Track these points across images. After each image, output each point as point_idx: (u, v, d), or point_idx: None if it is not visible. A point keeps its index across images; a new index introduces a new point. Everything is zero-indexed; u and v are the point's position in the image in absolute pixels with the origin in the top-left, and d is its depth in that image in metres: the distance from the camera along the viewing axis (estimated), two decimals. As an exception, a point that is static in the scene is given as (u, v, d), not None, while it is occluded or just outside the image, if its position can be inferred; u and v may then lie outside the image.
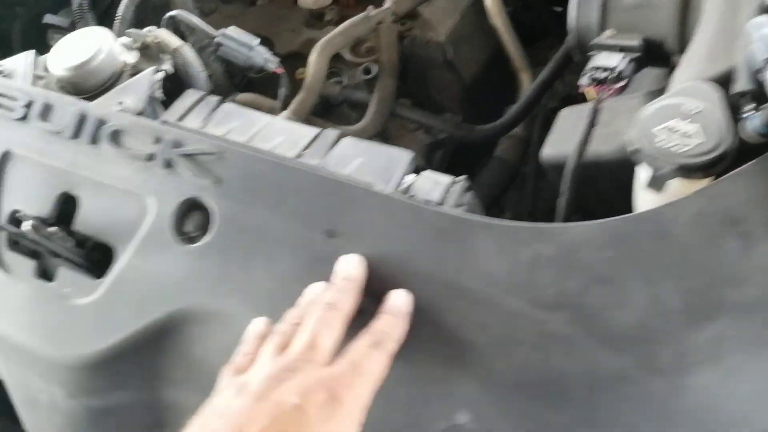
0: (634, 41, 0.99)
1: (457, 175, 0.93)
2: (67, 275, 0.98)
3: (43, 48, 1.15)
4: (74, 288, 0.99)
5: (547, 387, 0.78)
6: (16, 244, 1.00)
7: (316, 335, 0.73)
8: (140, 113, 1.01)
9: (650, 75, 1.06)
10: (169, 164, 0.94)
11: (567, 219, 1.01)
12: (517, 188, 1.38)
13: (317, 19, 1.56)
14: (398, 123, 1.35)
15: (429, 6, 1.40)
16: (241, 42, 1.18)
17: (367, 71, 1.32)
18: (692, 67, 0.90)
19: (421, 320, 0.80)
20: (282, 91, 1.23)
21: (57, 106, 1.02)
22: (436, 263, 0.81)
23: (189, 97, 1.04)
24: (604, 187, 1.04)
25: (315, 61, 1.26)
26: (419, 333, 0.79)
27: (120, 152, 0.97)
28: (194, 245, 0.91)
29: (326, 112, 1.34)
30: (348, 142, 0.95)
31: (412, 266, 0.82)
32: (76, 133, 0.99)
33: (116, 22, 1.28)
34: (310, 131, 0.98)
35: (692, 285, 0.74)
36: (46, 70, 1.12)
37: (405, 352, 0.77)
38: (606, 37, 1.02)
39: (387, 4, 1.33)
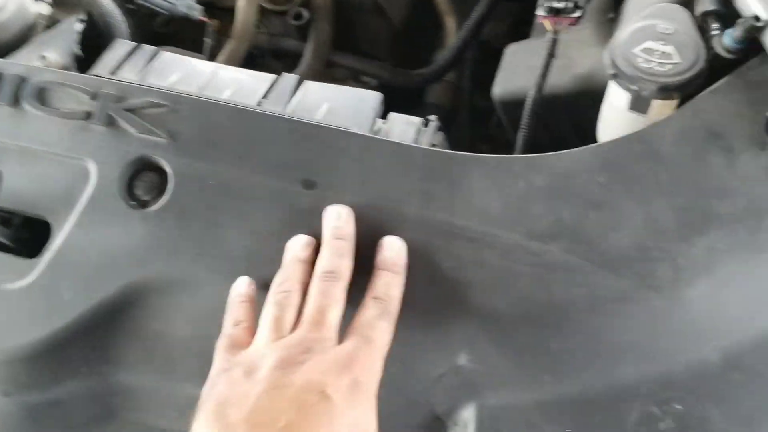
0: (587, -31, 0.99)
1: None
2: (-8, 258, 0.86)
3: None
4: (3, 272, 0.88)
5: (549, 317, 0.78)
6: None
7: (323, 309, 0.68)
8: (65, 68, 0.90)
9: (593, 5, 1.07)
10: (111, 121, 0.84)
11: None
12: (452, 134, 1.37)
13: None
14: (326, 72, 1.29)
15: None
16: (166, -10, 1.07)
17: (297, 16, 1.25)
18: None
19: (415, 265, 0.76)
20: (208, 43, 1.14)
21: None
22: (426, 204, 0.78)
23: (119, 47, 0.94)
24: (557, 120, 1.05)
25: (244, 8, 1.17)
26: (414, 278, 0.76)
27: (48, 113, 0.85)
28: (149, 209, 0.82)
29: (249, 64, 1.26)
30: (311, 86, 0.89)
31: (401, 210, 0.78)
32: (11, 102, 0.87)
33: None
34: (265, 77, 0.91)
35: (682, 201, 0.76)
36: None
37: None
38: (557, -35, 1.01)
39: None
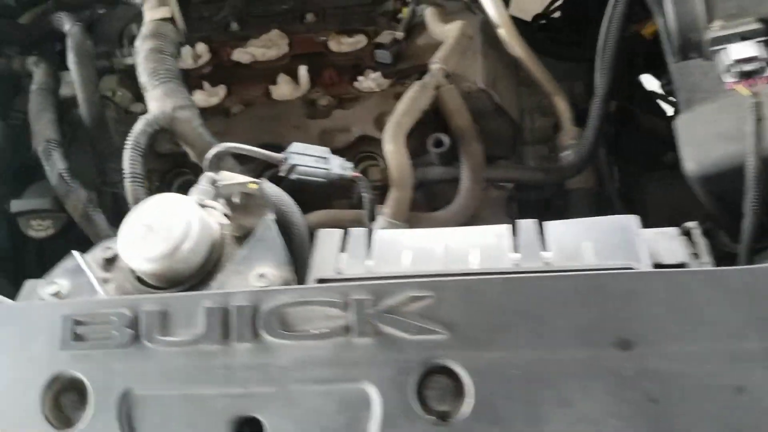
0: (753, 25, 0.93)
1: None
2: None
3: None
4: None
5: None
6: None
7: None
8: (288, 282, 0.80)
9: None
10: (376, 330, 0.74)
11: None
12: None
13: (313, 107, 1.38)
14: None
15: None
16: (316, 155, 0.99)
17: (438, 143, 1.17)
18: None
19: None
20: (367, 198, 1.05)
21: (173, 309, 0.78)
22: (765, 328, 0.69)
23: (325, 241, 0.84)
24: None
25: (394, 152, 1.08)
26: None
27: (297, 338, 0.75)
28: (453, 420, 0.70)
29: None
30: (554, 228, 0.80)
31: (741, 347, 0.69)
32: (224, 334, 0.76)
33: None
34: (496, 231, 0.82)
35: None
36: (107, 267, 0.86)
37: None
38: (719, 28, 0.95)
39: (434, 66, 1.18)
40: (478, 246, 0.81)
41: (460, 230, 0.84)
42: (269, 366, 0.75)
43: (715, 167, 1.00)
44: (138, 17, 1.58)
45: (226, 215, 0.88)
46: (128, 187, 1.06)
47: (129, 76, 1.52)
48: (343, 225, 1.09)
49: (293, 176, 0.99)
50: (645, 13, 1.39)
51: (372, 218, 1.05)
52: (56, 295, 0.84)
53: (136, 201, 1.06)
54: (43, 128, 1.23)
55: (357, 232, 0.84)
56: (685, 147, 1.04)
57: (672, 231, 0.82)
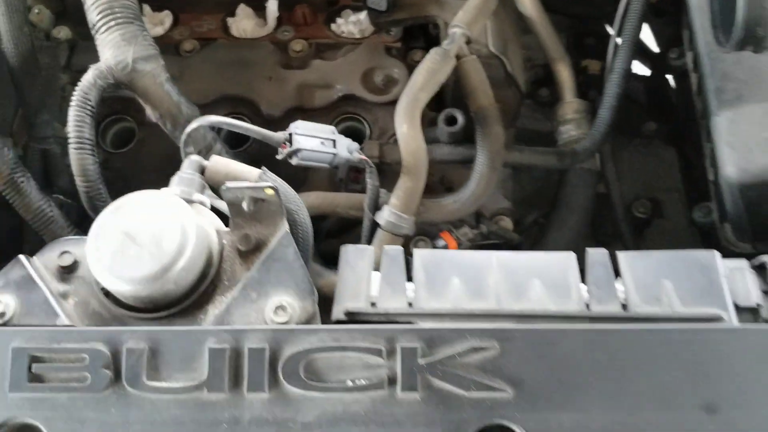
0: (827, 27, 0.83)
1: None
2: None
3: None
4: None
5: None
6: None
7: None
8: (312, 316, 0.64)
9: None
10: (426, 384, 0.61)
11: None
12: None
13: (286, 53, 1.17)
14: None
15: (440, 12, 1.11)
16: (322, 137, 0.81)
17: (451, 121, 1.01)
18: None
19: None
20: (371, 185, 0.89)
21: (166, 347, 0.61)
22: None
23: (355, 258, 0.69)
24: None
25: (409, 135, 0.91)
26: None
27: (328, 391, 0.61)
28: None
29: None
30: (629, 259, 0.69)
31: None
32: (234, 382, 0.61)
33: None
34: (560, 257, 0.70)
35: None
36: (64, 278, 0.67)
37: None
38: (795, 24, 0.84)
39: (456, 31, 0.99)
40: (539, 278, 0.68)
41: (515, 255, 0.71)
42: (290, 422, 0.61)
43: (760, 175, 0.92)
44: None
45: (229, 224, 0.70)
46: (74, 156, 0.84)
47: (47, -13, 1.25)
48: (340, 211, 0.94)
49: (295, 161, 0.81)
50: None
51: (375, 208, 0.90)
52: (0, 316, 0.64)
53: (84, 173, 0.85)
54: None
55: (393, 253, 0.69)
56: (727, 149, 0.95)
57: (744, 264, 0.72)
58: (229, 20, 1.24)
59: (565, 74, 1.20)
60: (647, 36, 1.69)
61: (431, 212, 0.95)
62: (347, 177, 1.02)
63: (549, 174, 1.20)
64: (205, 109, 1.02)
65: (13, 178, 0.90)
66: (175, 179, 0.73)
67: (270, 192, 0.65)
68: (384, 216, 0.90)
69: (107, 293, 0.68)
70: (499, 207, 1.10)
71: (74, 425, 0.62)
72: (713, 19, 0.95)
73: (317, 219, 0.93)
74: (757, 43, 0.88)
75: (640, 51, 1.67)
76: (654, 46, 1.61)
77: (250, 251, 0.67)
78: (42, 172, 1.00)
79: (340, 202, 0.94)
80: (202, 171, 0.74)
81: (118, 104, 1.14)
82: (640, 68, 1.73)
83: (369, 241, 0.92)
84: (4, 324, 0.64)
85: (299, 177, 1.01)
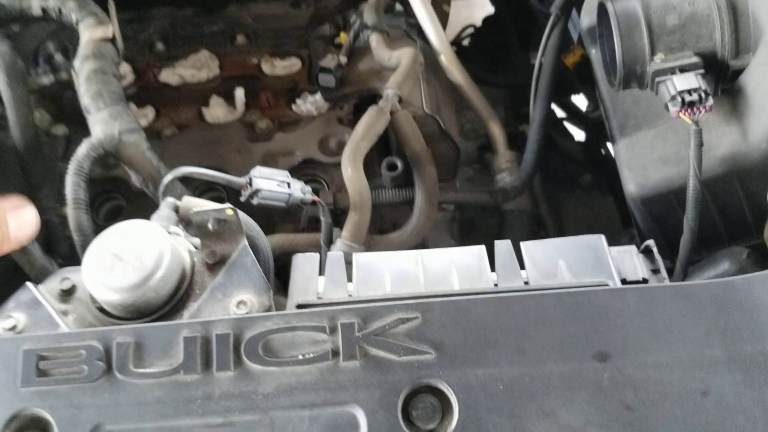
0: (693, 58, 1.01)
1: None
2: None
3: None
4: None
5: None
6: None
7: None
8: (269, 308, 0.78)
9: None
10: (364, 353, 0.73)
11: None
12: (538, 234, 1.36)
13: (253, 130, 1.36)
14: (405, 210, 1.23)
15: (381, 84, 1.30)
16: (278, 179, 0.97)
17: (392, 167, 1.18)
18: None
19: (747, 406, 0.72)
20: (324, 222, 1.04)
21: (148, 340, 0.75)
22: (731, 341, 0.74)
23: (302, 265, 0.83)
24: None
25: (353, 177, 1.08)
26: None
27: (284, 364, 0.73)
28: (444, 439, 0.72)
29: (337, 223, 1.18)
30: (530, 247, 0.84)
31: (705, 354, 0.74)
32: (204, 364, 0.73)
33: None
34: (473, 251, 0.84)
35: None
36: (64, 299, 0.81)
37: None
38: (661, 61, 1.02)
39: (389, 92, 1.19)
40: (456, 267, 0.83)
41: (437, 252, 0.86)
42: (253, 394, 0.73)
43: (655, 189, 1.08)
44: (53, 36, 1.52)
45: (197, 241, 0.85)
46: (71, 214, 1.00)
47: (45, 97, 1.45)
48: (300, 249, 1.08)
49: (256, 201, 0.97)
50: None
51: (329, 242, 1.05)
52: (12, 329, 0.78)
53: (80, 229, 1.01)
54: (-31, 153, 1.14)
55: (335, 256, 0.84)
56: (626, 170, 1.11)
57: (633, 249, 0.87)
58: (204, 109, 1.44)
59: (496, 131, 1.38)
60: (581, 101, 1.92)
61: (379, 246, 1.10)
62: (308, 226, 1.17)
63: (490, 217, 1.36)
64: (183, 180, 1.19)
65: (19, 241, 1.05)
66: (153, 217, 0.89)
67: (230, 212, 0.80)
68: (337, 247, 1.05)
69: (101, 308, 0.82)
70: (445, 246, 1.25)
71: (74, 411, 0.74)
72: (605, 66, 1.14)
73: (281, 259, 1.08)
74: (639, 80, 1.06)
75: (574, 115, 1.89)
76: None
77: (216, 264, 0.82)
78: (44, 239, 1.16)
79: (300, 242, 1.09)
80: (177, 210, 0.90)
81: (108, 183, 1.31)
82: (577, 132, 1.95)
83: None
84: (17, 334, 0.78)
85: (267, 226, 1.16)
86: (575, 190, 1.65)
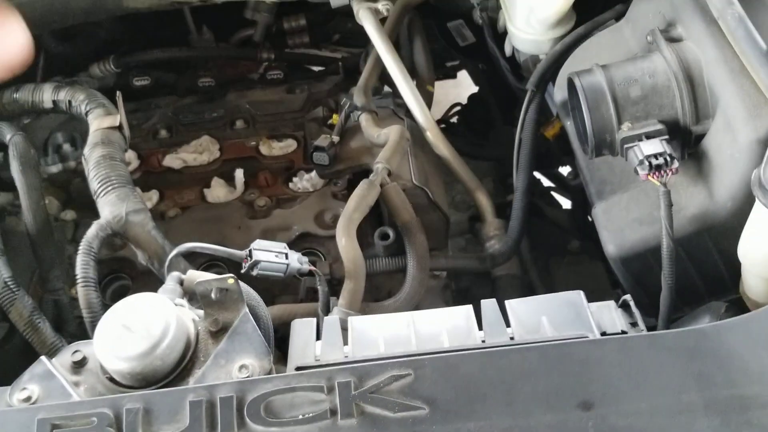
0: (657, 126, 1.09)
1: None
2: None
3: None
4: None
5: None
6: None
7: None
8: (269, 372, 0.83)
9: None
10: (360, 411, 0.78)
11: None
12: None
13: (252, 207, 1.43)
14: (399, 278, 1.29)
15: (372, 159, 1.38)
16: (276, 251, 1.04)
17: (384, 237, 1.24)
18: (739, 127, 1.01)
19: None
20: (321, 291, 1.10)
21: (156, 405, 0.79)
22: (705, 385, 0.79)
23: (302, 330, 0.88)
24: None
25: (348, 246, 1.15)
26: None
27: (285, 425, 0.77)
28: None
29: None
30: (514, 305, 0.89)
31: (682, 399, 0.78)
32: (210, 426, 0.77)
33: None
34: (460, 312, 0.90)
35: None
36: (76, 370, 0.86)
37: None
38: (628, 129, 1.10)
39: (378, 166, 1.27)
40: (445, 327, 0.88)
41: (426, 313, 0.91)
42: (262, 452, 0.77)
43: (633, 249, 1.14)
44: (62, 127, 1.61)
45: (201, 313, 0.90)
46: (81, 292, 1.05)
47: (55, 184, 1.53)
48: (299, 318, 1.13)
49: (255, 272, 1.03)
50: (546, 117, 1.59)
51: (327, 310, 1.10)
52: (27, 400, 0.82)
53: (89, 306, 1.06)
54: (-16, 238, 1.21)
55: (331, 321, 0.89)
56: (604, 232, 1.18)
57: (611, 304, 0.92)
58: (205, 191, 1.52)
59: (483, 200, 1.46)
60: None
61: (374, 313, 1.15)
62: (306, 297, 1.22)
63: (483, 285, 1.41)
64: (186, 257, 1.25)
65: (31, 320, 1.10)
66: (160, 290, 0.94)
67: (231, 281, 0.86)
68: (334, 314, 1.10)
69: (111, 378, 0.86)
70: (440, 311, 1.30)
71: (84, 478, 0.78)
72: (579, 136, 1.22)
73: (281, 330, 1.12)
74: (609, 147, 1.14)
75: (560, 184, 1.97)
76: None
77: (219, 331, 0.87)
78: (54, 319, 1.20)
79: (298, 311, 1.14)
80: (181, 283, 0.96)
81: (115, 264, 1.37)
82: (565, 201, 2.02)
83: (324, 339, 1.11)
84: (31, 404, 0.82)
85: (266, 298, 1.22)
86: (564, 256, 1.71)
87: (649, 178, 1.05)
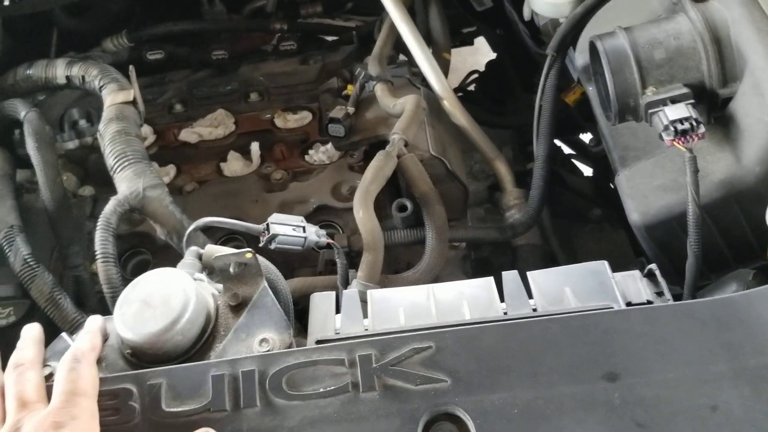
0: (683, 89, 1.06)
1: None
2: None
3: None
4: None
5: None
6: None
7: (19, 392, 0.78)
8: (289, 345, 0.82)
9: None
10: (382, 383, 0.77)
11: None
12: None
13: (269, 181, 1.42)
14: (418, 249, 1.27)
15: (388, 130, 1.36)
16: (293, 224, 1.03)
17: (402, 208, 1.23)
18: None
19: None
20: (340, 263, 1.09)
21: (179, 380, 0.79)
22: (734, 355, 0.77)
23: (322, 303, 0.88)
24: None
25: (365, 218, 1.14)
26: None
27: (307, 398, 0.77)
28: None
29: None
30: (536, 276, 0.88)
31: (711, 370, 0.77)
32: (233, 400, 0.77)
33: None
34: (481, 283, 0.89)
35: None
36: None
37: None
38: (653, 93, 1.07)
39: (395, 137, 1.25)
40: (466, 299, 0.87)
41: (447, 285, 0.90)
42: (279, 428, 0.77)
43: (657, 216, 1.11)
44: (77, 102, 1.60)
45: (220, 287, 0.90)
46: (101, 268, 1.06)
47: (72, 160, 1.53)
48: (318, 291, 1.13)
49: (273, 246, 1.02)
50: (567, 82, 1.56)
51: (346, 283, 1.10)
52: (49, 377, 0.82)
53: (109, 281, 1.06)
54: (4, 215, 1.21)
55: (350, 294, 0.88)
56: (628, 200, 1.15)
57: (636, 273, 0.90)
58: (222, 164, 1.51)
59: (503, 169, 1.43)
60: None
61: (394, 285, 1.14)
62: (325, 269, 1.22)
63: (503, 255, 1.40)
64: (204, 231, 1.24)
65: (52, 296, 1.11)
66: (179, 265, 0.94)
67: (249, 256, 0.85)
68: (353, 287, 1.09)
69: (132, 354, 0.86)
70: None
71: (109, 453, 0.78)
72: (601, 102, 1.19)
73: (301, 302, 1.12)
74: (633, 113, 1.11)
75: (581, 151, 1.94)
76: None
77: (239, 305, 0.86)
78: (74, 294, 1.21)
79: (317, 284, 1.13)
80: (200, 258, 0.95)
81: (135, 239, 1.37)
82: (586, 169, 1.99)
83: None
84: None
85: (285, 271, 1.21)
86: (586, 224, 1.69)
87: (675, 143, 1.03)
